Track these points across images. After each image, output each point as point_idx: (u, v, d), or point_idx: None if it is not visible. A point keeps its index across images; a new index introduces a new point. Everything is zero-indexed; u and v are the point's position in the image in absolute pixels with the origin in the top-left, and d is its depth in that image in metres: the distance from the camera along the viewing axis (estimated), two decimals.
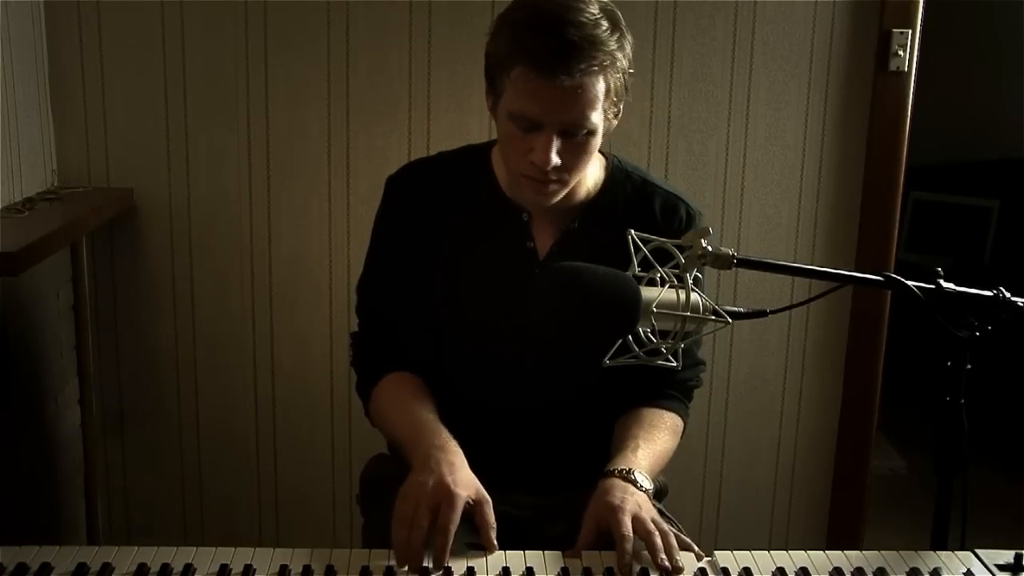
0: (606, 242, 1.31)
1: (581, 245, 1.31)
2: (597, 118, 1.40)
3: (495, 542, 1.28)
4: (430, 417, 1.48)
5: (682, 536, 1.33)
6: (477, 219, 1.57)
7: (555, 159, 1.40)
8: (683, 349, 1.59)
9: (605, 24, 1.38)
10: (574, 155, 1.42)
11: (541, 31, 1.36)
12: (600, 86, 1.38)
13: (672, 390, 1.64)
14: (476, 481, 1.35)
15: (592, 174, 1.56)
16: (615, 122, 1.48)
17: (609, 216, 1.53)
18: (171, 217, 2.32)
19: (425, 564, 1.22)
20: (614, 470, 1.43)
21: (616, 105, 1.45)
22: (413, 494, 1.30)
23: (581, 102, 1.38)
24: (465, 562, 1.25)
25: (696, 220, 1.59)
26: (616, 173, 1.59)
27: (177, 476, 2.45)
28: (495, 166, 1.59)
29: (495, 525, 1.30)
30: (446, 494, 1.29)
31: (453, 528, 1.25)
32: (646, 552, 1.27)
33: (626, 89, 1.44)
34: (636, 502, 1.35)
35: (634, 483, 1.40)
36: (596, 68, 1.36)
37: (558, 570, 1.24)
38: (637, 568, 1.24)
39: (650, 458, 1.49)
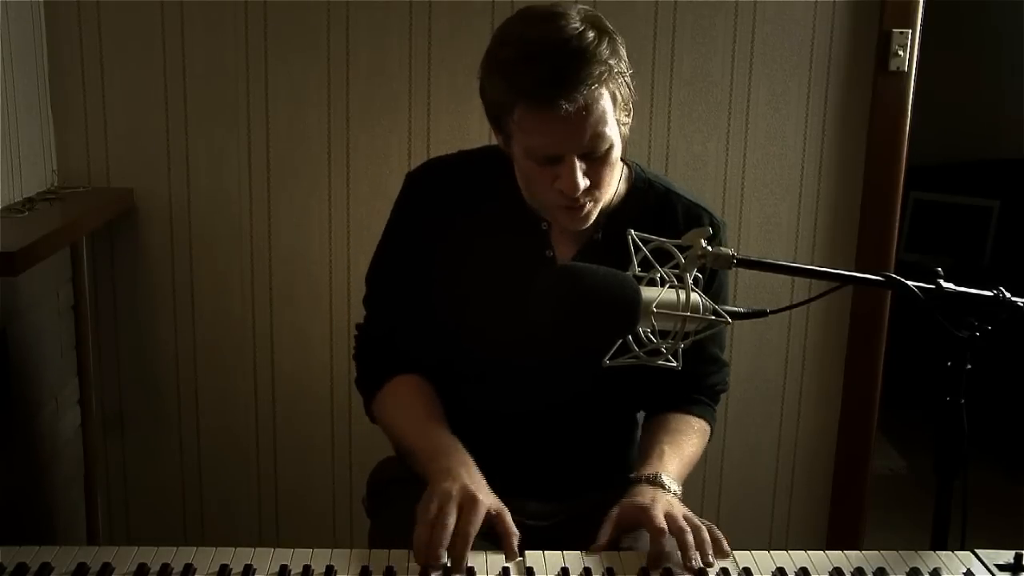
0: (629, 253, 1.28)
1: (604, 256, 1.30)
2: (612, 132, 1.37)
3: (516, 550, 1.28)
4: (446, 432, 1.47)
5: (715, 529, 1.32)
6: (495, 224, 1.55)
7: (583, 183, 1.38)
8: (708, 353, 1.61)
9: (591, 34, 1.33)
10: (599, 172, 1.40)
11: (530, 64, 1.31)
12: (606, 99, 1.35)
13: (700, 395, 1.64)
14: (495, 495, 1.36)
15: (614, 183, 1.53)
16: (629, 125, 1.45)
17: (632, 226, 1.49)
18: (171, 217, 2.32)
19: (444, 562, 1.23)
20: (641, 476, 1.44)
21: (626, 110, 1.42)
22: (439, 497, 1.30)
23: (592, 122, 1.34)
24: (466, 562, 1.25)
25: (720, 230, 1.57)
26: (639, 182, 1.57)
27: (177, 476, 2.45)
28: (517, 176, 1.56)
29: (517, 533, 1.30)
30: (471, 500, 1.30)
31: (474, 532, 1.26)
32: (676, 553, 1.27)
33: (631, 89, 1.41)
34: (667, 501, 1.37)
35: (662, 486, 1.42)
36: (595, 84, 1.32)
37: (558, 570, 1.24)
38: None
39: (677, 462, 1.50)
